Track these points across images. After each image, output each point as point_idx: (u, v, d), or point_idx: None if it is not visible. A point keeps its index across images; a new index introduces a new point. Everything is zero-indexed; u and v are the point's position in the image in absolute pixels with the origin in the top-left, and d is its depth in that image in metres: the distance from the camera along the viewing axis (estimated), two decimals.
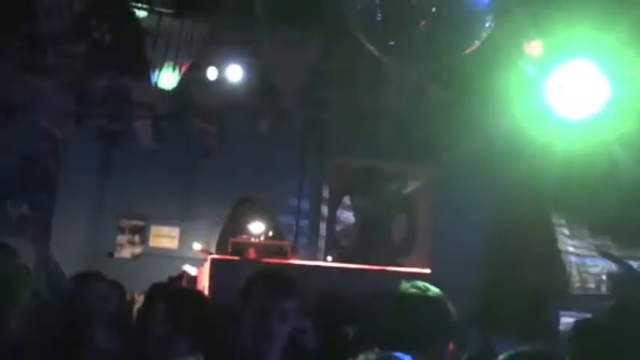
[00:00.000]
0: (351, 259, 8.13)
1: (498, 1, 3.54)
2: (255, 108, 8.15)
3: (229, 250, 7.08)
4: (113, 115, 8.26)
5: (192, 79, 7.18)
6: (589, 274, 7.81)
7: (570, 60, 4.91)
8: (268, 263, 6.32)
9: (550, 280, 7.89)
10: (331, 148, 9.22)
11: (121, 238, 9.15)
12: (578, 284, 7.84)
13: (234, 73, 7.33)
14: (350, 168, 9.55)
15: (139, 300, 6.41)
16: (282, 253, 7.19)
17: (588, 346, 3.40)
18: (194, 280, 7.36)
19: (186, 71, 6.86)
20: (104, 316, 3.70)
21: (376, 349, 2.24)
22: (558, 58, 4.97)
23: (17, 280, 2.32)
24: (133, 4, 6.07)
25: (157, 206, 8.93)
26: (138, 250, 9.16)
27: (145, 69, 6.27)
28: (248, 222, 7.49)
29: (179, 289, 5.45)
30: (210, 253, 7.36)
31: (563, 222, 7.82)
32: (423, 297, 2.57)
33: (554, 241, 7.99)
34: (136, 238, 9.17)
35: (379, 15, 3.46)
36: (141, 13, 6.08)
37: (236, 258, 7.01)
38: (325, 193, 9.46)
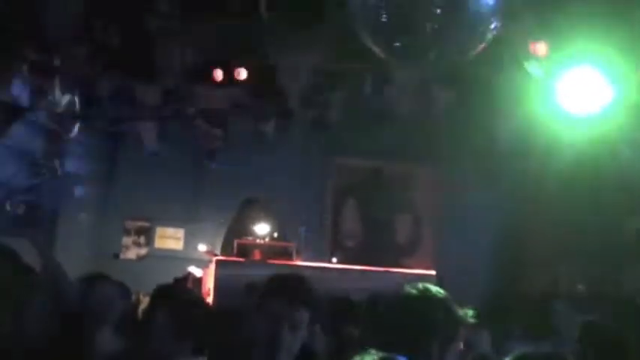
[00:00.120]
0: (356, 260, 8.13)
1: (504, 3, 3.53)
2: (260, 110, 8.15)
3: (234, 251, 7.10)
4: (118, 116, 8.28)
5: (197, 81, 7.19)
6: None
7: (575, 65, 4.92)
8: (277, 269, 6.32)
9: (556, 281, 7.87)
10: (336, 149, 9.22)
11: (127, 240, 9.17)
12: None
13: (240, 74, 7.33)
14: (354, 169, 9.55)
15: (145, 301, 6.41)
16: (286, 254, 7.21)
17: (594, 347, 3.40)
18: (199, 281, 7.37)
19: (192, 73, 6.88)
20: (110, 317, 3.71)
21: (372, 351, 2.23)
22: (564, 63, 4.99)
23: (28, 282, 2.32)
24: (139, 5, 6.08)
25: (162, 208, 8.94)
26: (143, 251, 9.18)
27: (150, 71, 6.28)
28: (253, 223, 7.50)
29: (182, 291, 5.45)
30: (215, 255, 7.37)
31: None
32: (424, 298, 2.58)
33: (561, 241, 7.97)
34: (142, 239, 9.19)
35: (384, 16, 3.46)
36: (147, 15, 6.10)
37: (241, 259, 7.03)
38: (330, 194, 9.46)
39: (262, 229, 7.43)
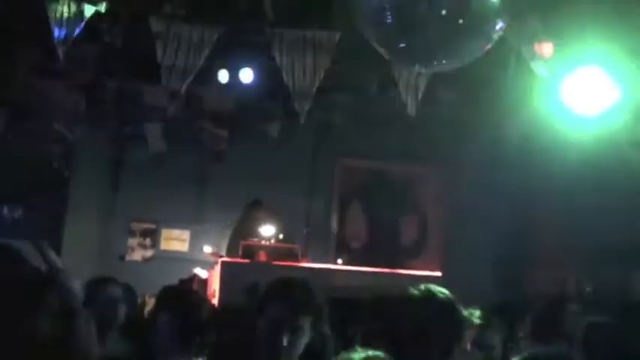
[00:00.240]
0: (361, 261, 8.13)
1: (509, 3, 3.52)
2: (265, 111, 8.15)
3: (240, 252, 7.10)
4: (124, 118, 8.29)
5: (202, 82, 7.19)
6: None
7: (581, 65, 4.91)
8: (282, 271, 6.32)
9: (564, 283, 7.85)
10: (341, 150, 9.22)
11: (132, 241, 9.18)
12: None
13: (245, 76, 7.34)
14: (360, 170, 9.54)
15: (150, 303, 6.41)
16: (292, 256, 7.20)
17: (600, 348, 3.39)
18: (205, 282, 7.38)
19: (197, 74, 6.88)
20: (116, 319, 3.71)
21: (359, 349, 2.22)
22: (570, 63, 4.97)
23: (42, 282, 2.32)
24: (144, 6, 6.09)
25: (168, 209, 8.95)
26: (149, 253, 9.19)
27: (156, 72, 6.28)
28: (259, 225, 7.50)
29: (187, 292, 5.45)
30: (221, 256, 7.37)
31: None
32: (426, 299, 2.57)
33: (568, 242, 7.94)
34: (147, 241, 9.20)
35: (390, 18, 3.45)
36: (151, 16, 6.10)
37: (246, 261, 7.03)
38: (335, 195, 9.45)
39: (268, 230, 7.43)
